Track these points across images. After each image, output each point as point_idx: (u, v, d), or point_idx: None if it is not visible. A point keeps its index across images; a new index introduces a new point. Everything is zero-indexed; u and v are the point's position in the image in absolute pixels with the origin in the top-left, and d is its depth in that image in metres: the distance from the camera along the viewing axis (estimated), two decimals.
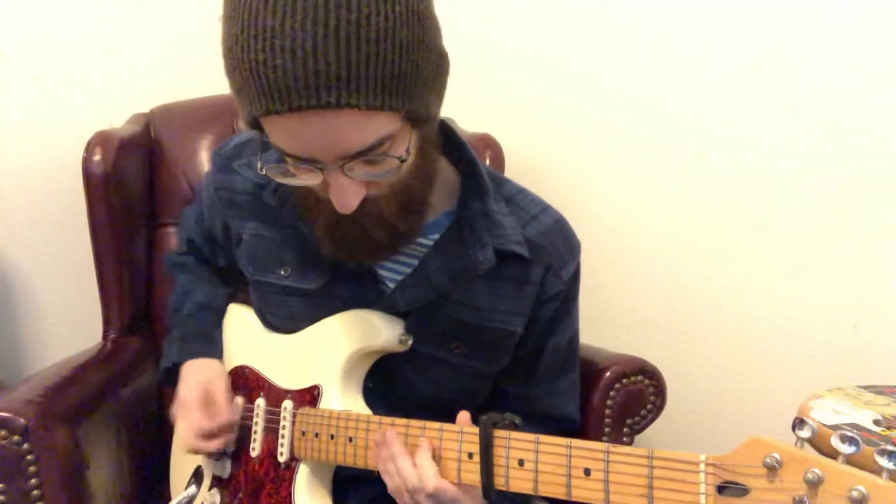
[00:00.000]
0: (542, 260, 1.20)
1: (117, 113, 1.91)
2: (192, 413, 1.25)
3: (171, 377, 1.37)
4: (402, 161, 0.96)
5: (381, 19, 0.85)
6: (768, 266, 1.90)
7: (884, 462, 0.65)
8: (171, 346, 1.40)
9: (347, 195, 0.95)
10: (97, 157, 1.64)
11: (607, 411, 1.47)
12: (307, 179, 0.97)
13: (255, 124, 0.93)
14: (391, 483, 1.03)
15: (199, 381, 1.29)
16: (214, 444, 1.24)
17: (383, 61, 0.86)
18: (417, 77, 0.91)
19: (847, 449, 0.68)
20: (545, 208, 1.26)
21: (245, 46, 0.85)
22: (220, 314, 1.44)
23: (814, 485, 0.68)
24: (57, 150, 1.94)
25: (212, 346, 1.38)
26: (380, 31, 0.85)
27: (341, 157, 0.91)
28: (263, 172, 1.00)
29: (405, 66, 0.89)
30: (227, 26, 0.89)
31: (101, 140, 1.67)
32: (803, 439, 0.72)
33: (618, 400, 1.47)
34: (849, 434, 0.68)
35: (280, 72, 0.83)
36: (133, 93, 1.96)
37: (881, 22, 1.72)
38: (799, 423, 0.72)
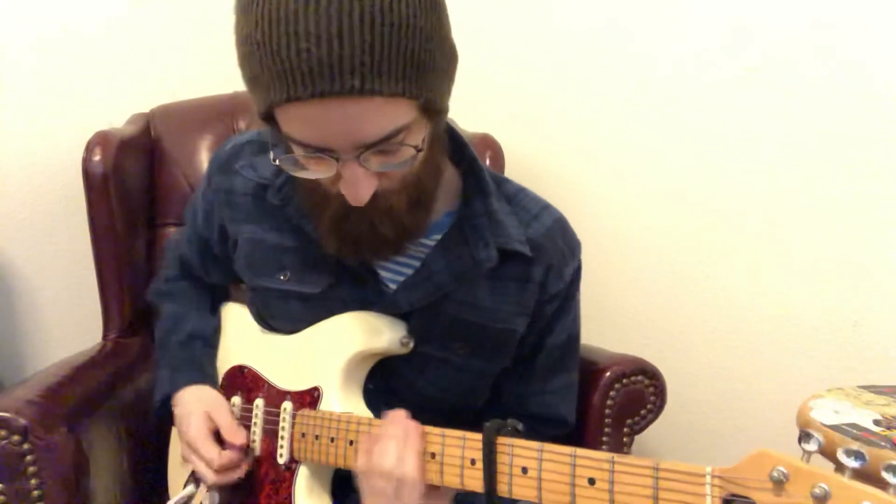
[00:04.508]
0: (544, 259, 1.21)
1: (117, 113, 1.91)
2: (204, 450, 1.22)
3: (165, 410, 1.35)
4: (418, 151, 0.96)
5: (403, 6, 0.86)
6: (768, 266, 1.90)
7: (890, 478, 0.65)
8: (163, 377, 1.37)
9: (361, 186, 0.95)
10: (97, 157, 1.64)
11: (607, 411, 1.47)
12: (320, 171, 0.97)
13: (269, 116, 0.93)
14: (371, 461, 1.02)
15: (199, 414, 1.26)
16: (234, 475, 1.23)
17: (405, 48, 0.87)
18: (434, 67, 0.92)
19: (853, 463, 0.68)
20: (545, 207, 1.26)
21: (266, 31, 0.85)
22: (211, 345, 1.41)
23: (820, 500, 0.68)
24: (57, 150, 1.93)
25: (204, 376, 1.35)
26: (402, 18, 0.85)
27: (358, 146, 0.91)
28: (276, 164, 0.99)
29: (424, 55, 0.89)
30: (244, 13, 0.88)
31: (101, 140, 1.67)
32: (809, 452, 0.72)
33: (618, 400, 1.47)
34: (854, 448, 0.68)
35: (304, 56, 0.83)
36: (133, 93, 1.96)
37: (882, 22, 1.72)
38: (805, 435, 0.72)
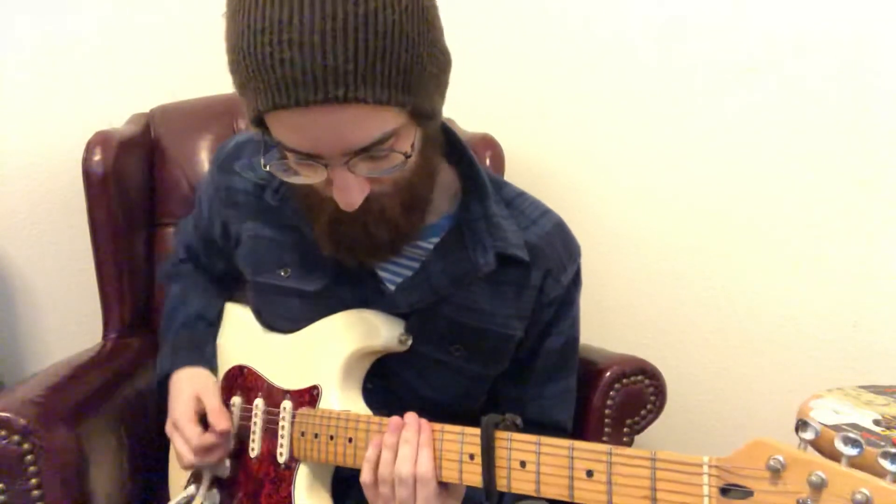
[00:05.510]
0: (542, 264, 1.20)
1: (117, 113, 1.91)
2: (185, 430, 1.23)
3: (165, 388, 1.36)
4: (407, 157, 0.96)
5: (389, 14, 0.85)
6: (768, 266, 1.90)
7: (887, 465, 0.65)
8: (164, 356, 1.38)
9: (351, 192, 0.95)
10: (97, 157, 1.65)
11: (607, 411, 1.47)
12: (310, 177, 0.97)
13: (260, 121, 0.93)
14: (381, 470, 1.01)
15: (188, 394, 1.28)
16: (212, 458, 1.24)
17: (391, 56, 0.87)
18: (423, 73, 0.92)
19: (850, 451, 0.68)
20: (545, 212, 1.26)
21: (251, 41, 0.85)
22: (214, 325, 1.42)
23: (817, 487, 0.68)
24: (57, 150, 1.94)
25: (202, 357, 1.36)
26: (387, 25, 0.85)
27: (346, 152, 0.92)
28: (267, 170, 1.00)
29: (411, 62, 0.89)
30: (231, 22, 0.89)
31: (101, 140, 1.67)
32: (806, 441, 0.72)
33: (618, 400, 1.47)
34: (851, 436, 0.68)
35: (288, 65, 0.84)
36: (133, 93, 1.97)
37: (882, 22, 1.72)
38: (802, 424, 0.72)
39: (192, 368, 1.33)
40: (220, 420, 1.23)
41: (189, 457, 1.22)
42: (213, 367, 1.36)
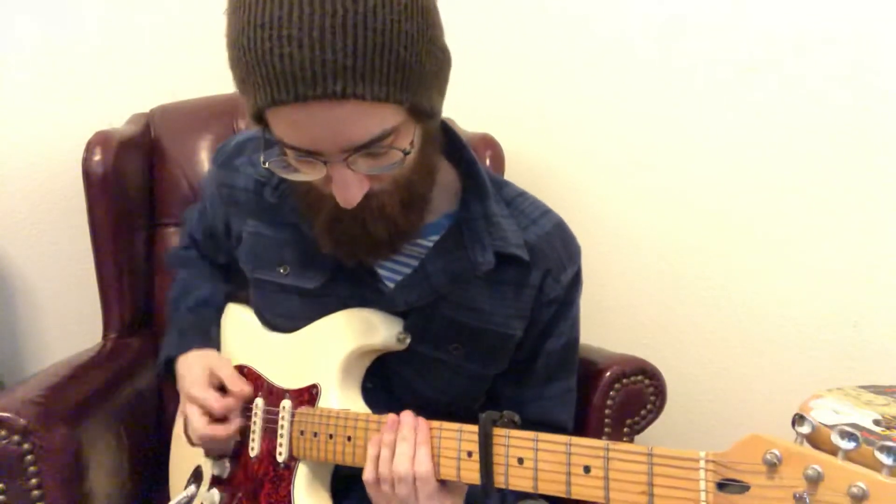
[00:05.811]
0: (542, 264, 1.20)
1: (117, 113, 1.91)
2: (204, 396, 1.22)
3: (169, 371, 1.36)
4: (406, 154, 0.97)
5: (388, 11, 0.86)
6: (768, 266, 1.90)
7: (884, 458, 0.65)
8: (170, 339, 1.39)
9: (351, 189, 0.96)
10: (97, 157, 1.65)
11: (607, 411, 1.47)
12: (310, 174, 0.98)
13: (260, 118, 0.94)
14: (381, 468, 1.02)
15: (201, 368, 1.27)
16: (227, 431, 1.22)
17: (389, 53, 0.87)
18: (421, 70, 0.92)
19: (847, 445, 0.68)
20: (545, 212, 1.26)
21: (251, 36, 0.85)
22: (220, 311, 1.43)
23: (814, 481, 0.68)
24: (57, 150, 1.94)
25: (209, 341, 1.37)
26: (386, 22, 0.86)
27: (345, 149, 0.92)
28: (266, 167, 1.00)
29: (410, 59, 0.89)
30: (232, 18, 0.89)
31: (101, 140, 1.67)
32: (803, 435, 0.72)
33: (618, 400, 1.47)
34: (848, 430, 0.68)
35: (287, 61, 0.84)
36: (133, 93, 1.97)
37: (882, 22, 1.72)
38: (798, 419, 0.72)
39: (200, 350, 1.34)
40: (239, 384, 1.24)
41: (204, 428, 1.21)
42: (218, 350, 1.37)
